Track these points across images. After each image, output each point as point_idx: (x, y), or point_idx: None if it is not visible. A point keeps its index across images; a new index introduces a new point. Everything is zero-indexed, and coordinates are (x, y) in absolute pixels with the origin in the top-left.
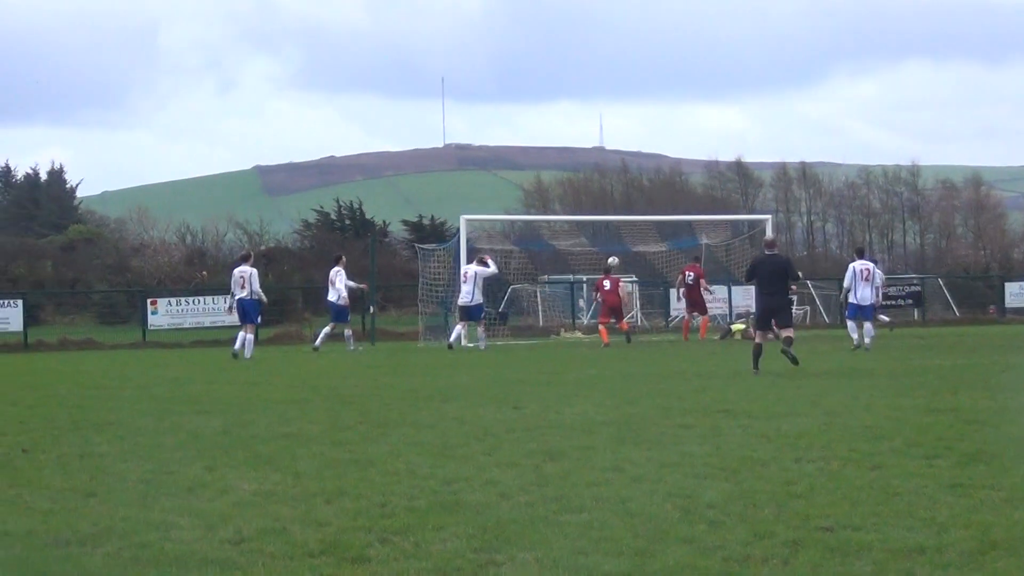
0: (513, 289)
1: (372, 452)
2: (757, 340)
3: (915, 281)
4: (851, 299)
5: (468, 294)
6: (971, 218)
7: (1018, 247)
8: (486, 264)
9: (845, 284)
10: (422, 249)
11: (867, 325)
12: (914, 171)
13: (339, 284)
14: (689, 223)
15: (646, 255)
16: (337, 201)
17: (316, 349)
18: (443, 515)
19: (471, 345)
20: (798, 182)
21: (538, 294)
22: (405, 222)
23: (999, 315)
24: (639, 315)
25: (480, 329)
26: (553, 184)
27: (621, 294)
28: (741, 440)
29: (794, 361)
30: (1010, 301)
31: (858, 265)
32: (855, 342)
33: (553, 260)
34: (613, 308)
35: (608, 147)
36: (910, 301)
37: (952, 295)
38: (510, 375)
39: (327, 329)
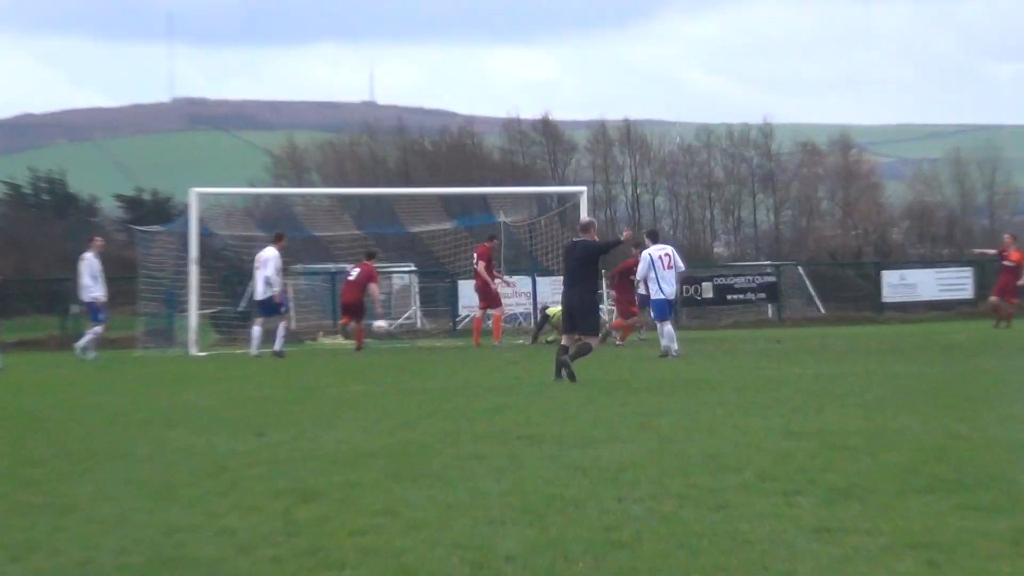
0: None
1: (72, 494)
2: (563, 342)
3: (768, 270)
4: (656, 294)
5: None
6: (838, 190)
7: (898, 226)
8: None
9: (639, 274)
10: (142, 232)
11: (668, 326)
12: (766, 130)
13: (271, 272)
14: (483, 197)
15: (427, 238)
16: (32, 170)
17: (279, 354)
18: (164, 574)
19: (256, 352)
20: (621, 145)
21: (290, 288)
22: (120, 197)
23: (875, 312)
24: (418, 314)
25: (257, 330)
26: (311, 148)
27: (379, 288)
28: (548, 474)
29: (571, 377)
30: (888, 294)
31: (655, 251)
32: (667, 350)
33: (309, 245)
34: (348, 306)
35: (381, 102)
36: (762, 295)
37: (816, 287)
38: (252, 392)
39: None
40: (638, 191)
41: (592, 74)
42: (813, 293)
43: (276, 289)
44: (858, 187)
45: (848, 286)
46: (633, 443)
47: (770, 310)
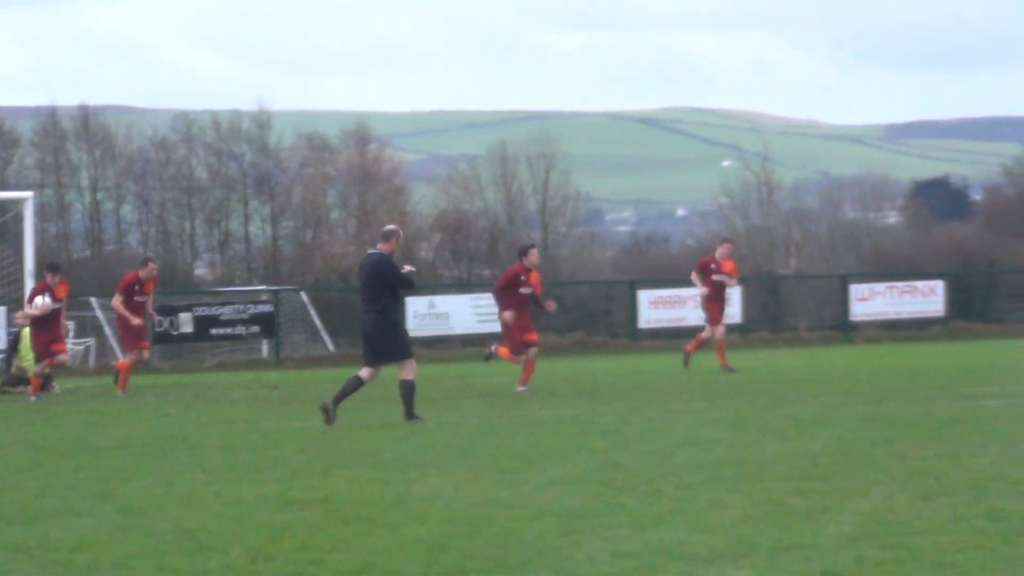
0: None
1: None
2: (363, 376)
3: (263, 297)
4: None
5: None
6: (353, 194)
7: (427, 240)
8: None
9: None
10: None
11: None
12: (262, 119)
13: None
14: None
15: None
16: None
17: None
18: None
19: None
20: (76, 138)
21: None
22: None
23: None
24: None
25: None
26: None
27: None
28: None
29: (327, 417)
30: (415, 327)
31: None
32: None
33: None
34: None
35: None
36: (255, 329)
37: (323, 318)
38: None
39: None
40: (99, 197)
41: (39, 48)
42: (320, 326)
43: None
44: (378, 191)
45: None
46: (90, 517)
47: (265, 347)
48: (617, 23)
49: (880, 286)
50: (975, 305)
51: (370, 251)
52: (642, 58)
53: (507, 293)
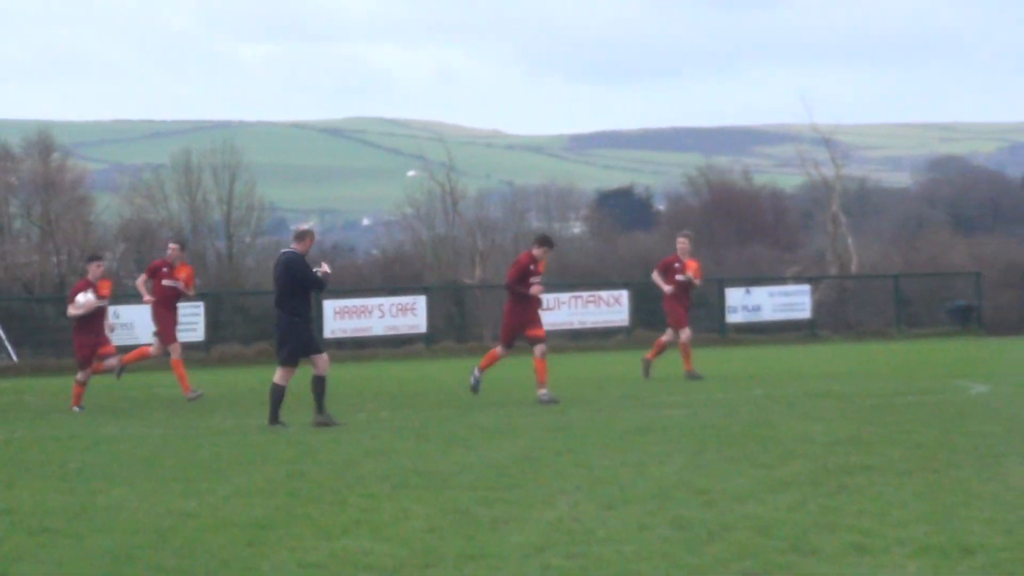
0: None
1: None
2: (276, 380)
3: None
4: None
5: None
6: (36, 204)
7: (111, 250)
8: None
9: None
10: None
11: None
12: None
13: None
14: None
15: None
16: None
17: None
18: None
19: None
20: None
21: None
22: None
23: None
24: None
25: None
26: None
27: None
28: None
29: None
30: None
31: None
32: None
33: None
34: None
35: None
36: None
37: (8, 329)
38: None
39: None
40: None
41: None
42: (2, 336)
43: None
44: (61, 201)
45: (48, 328)
46: None
47: None
48: (302, 34)
49: (565, 296)
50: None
51: (283, 250)
52: (327, 69)
53: (521, 286)
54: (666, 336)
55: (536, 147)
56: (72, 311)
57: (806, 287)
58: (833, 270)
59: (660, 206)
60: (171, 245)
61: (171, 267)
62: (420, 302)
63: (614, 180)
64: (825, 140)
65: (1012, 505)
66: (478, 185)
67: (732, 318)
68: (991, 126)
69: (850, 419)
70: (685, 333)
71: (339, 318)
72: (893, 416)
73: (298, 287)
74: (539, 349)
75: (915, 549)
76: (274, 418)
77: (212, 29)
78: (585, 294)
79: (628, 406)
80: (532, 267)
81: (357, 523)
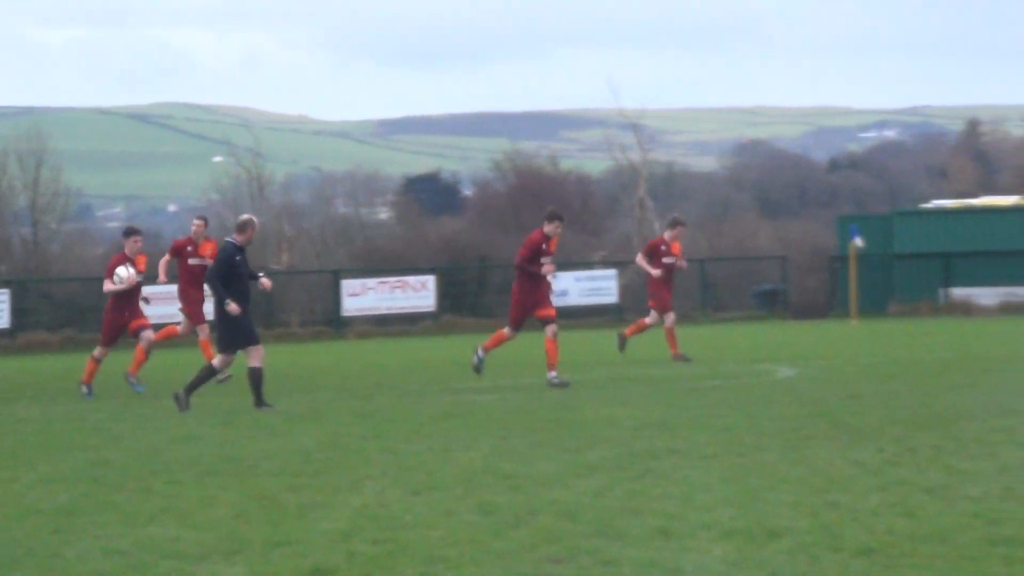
0: None
1: None
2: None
3: None
4: None
5: None
6: None
7: None
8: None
9: None
10: None
11: None
12: None
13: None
14: None
15: None
16: None
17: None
18: None
19: None
20: None
21: None
22: None
23: None
24: None
25: None
26: None
27: None
28: None
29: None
30: None
31: None
32: None
33: None
34: None
35: None
36: None
37: None
38: None
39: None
40: None
41: None
42: None
43: None
44: None
45: None
46: None
47: None
48: (106, 19)
49: (372, 281)
50: (466, 300)
51: (227, 238)
52: (132, 54)
53: (531, 265)
54: (650, 319)
55: (343, 132)
56: (109, 286)
57: (613, 272)
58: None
59: (467, 191)
60: (195, 222)
61: (196, 245)
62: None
63: (421, 165)
64: (632, 125)
65: (817, 488)
66: (285, 171)
67: None
68: (796, 110)
69: (656, 403)
70: (670, 318)
71: (156, 305)
72: (699, 400)
73: (223, 277)
74: (550, 330)
75: (720, 533)
76: (259, 401)
77: (13, 14)
78: (392, 279)
79: (434, 392)
80: (544, 246)
81: (163, 510)
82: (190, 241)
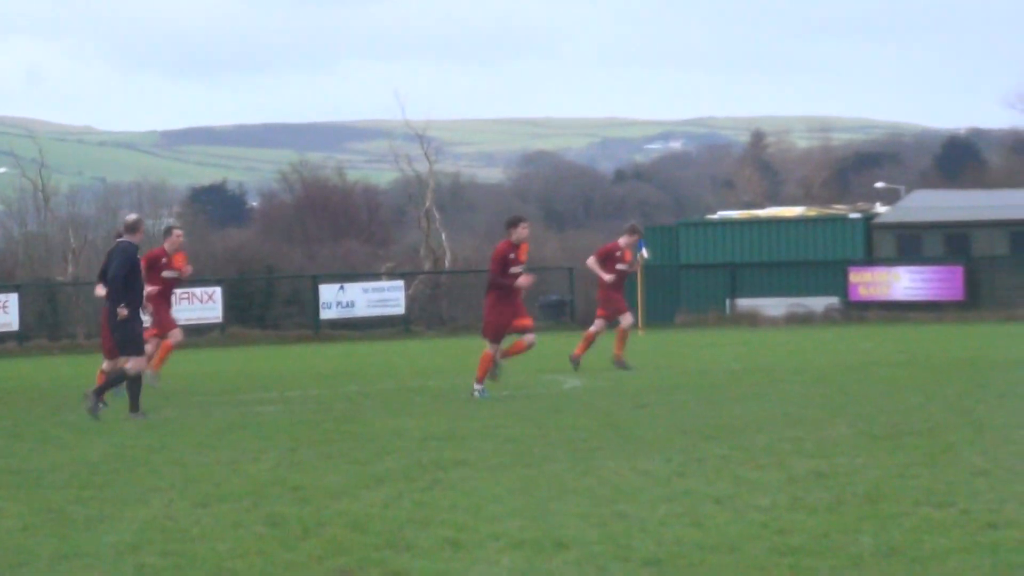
0: None
1: None
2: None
3: None
4: None
5: None
6: None
7: None
8: None
9: None
10: None
11: None
12: None
13: None
14: None
15: None
16: None
17: None
18: None
19: None
20: None
21: None
22: None
23: None
24: None
25: None
26: None
27: None
28: None
29: (92, 411)
30: None
31: None
32: None
33: None
34: None
35: None
36: None
37: None
38: None
39: None
40: None
41: None
42: None
43: None
44: None
45: None
46: None
47: None
48: None
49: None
50: (253, 311)
51: (118, 240)
52: None
53: (503, 276)
54: (595, 327)
55: (128, 143)
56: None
57: (400, 283)
58: (427, 266)
59: (254, 202)
60: (176, 232)
61: (170, 257)
62: (12, 300)
63: (207, 177)
64: (418, 136)
65: (605, 499)
66: (70, 182)
67: (326, 314)
68: (582, 121)
69: (443, 415)
70: (627, 319)
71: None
72: (487, 411)
73: (125, 279)
74: (529, 338)
75: (509, 543)
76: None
77: None
78: (178, 291)
79: (222, 403)
80: (513, 255)
81: None
82: (164, 252)
